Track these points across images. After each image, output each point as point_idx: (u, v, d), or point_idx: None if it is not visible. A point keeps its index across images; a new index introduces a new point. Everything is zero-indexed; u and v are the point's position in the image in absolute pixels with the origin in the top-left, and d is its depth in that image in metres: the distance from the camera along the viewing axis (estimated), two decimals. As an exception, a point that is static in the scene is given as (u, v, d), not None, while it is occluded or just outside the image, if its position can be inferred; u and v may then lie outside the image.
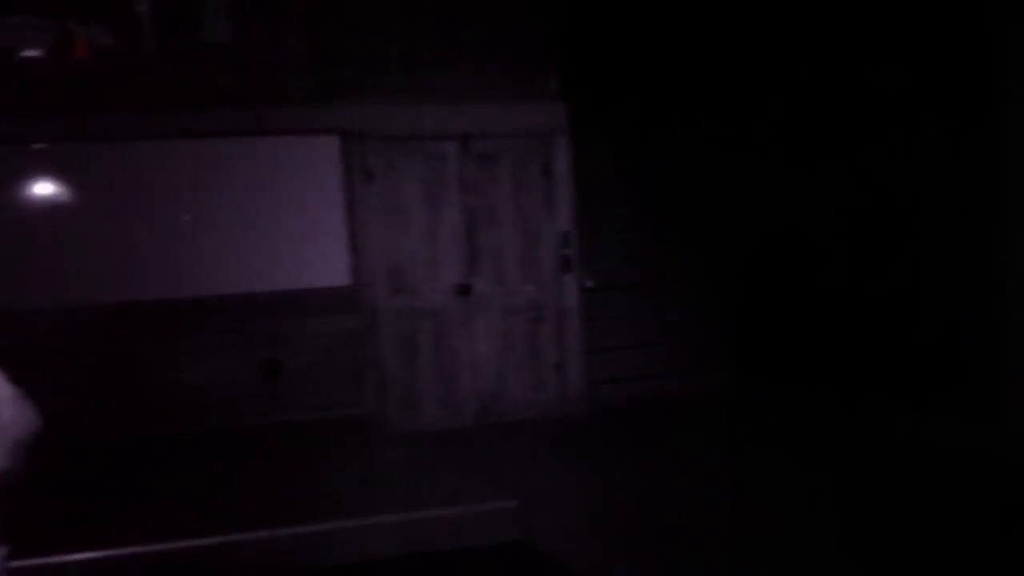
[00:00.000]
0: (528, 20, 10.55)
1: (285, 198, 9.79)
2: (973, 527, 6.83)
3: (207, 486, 7.61)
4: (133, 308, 9.39)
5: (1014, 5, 8.18)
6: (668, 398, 10.74)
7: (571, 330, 10.68)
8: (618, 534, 7.11)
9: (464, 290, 10.34)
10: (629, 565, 6.53)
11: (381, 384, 10.08)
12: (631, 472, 8.60)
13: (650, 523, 7.27)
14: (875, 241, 9.67)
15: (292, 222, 9.79)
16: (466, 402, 10.39)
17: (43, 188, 9.30)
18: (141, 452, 8.74)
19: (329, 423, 9.51)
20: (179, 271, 9.50)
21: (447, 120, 10.30)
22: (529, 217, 10.62)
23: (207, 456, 8.61)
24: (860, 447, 9.07)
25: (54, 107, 9.17)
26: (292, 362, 9.75)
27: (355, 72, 9.97)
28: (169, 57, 9.52)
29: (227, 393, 9.58)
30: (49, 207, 9.29)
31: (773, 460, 8.85)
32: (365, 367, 10.01)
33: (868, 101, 9.62)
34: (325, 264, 9.87)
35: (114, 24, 9.50)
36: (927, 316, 9.17)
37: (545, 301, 10.64)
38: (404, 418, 10.07)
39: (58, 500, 6.77)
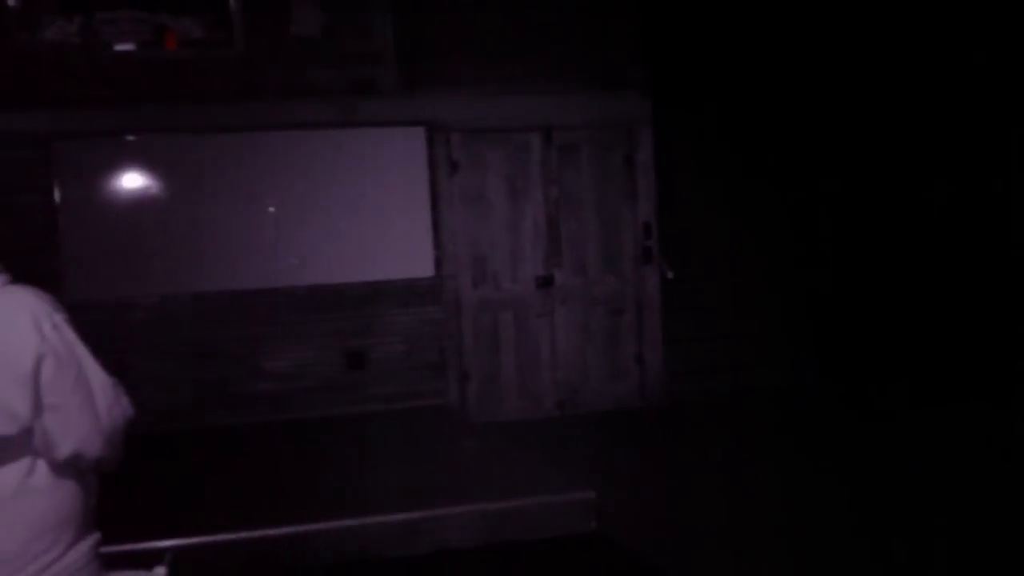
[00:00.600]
0: (612, 10, 10.55)
1: (371, 189, 9.90)
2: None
3: (292, 474, 7.73)
4: (222, 298, 9.59)
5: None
6: (749, 391, 10.67)
7: (651, 321, 10.69)
8: (697, 527, 7.13)
9: (545, 281, 10.40)
10: (707, 557, 6.55)
11: (463, 375, 10.18)
12: (710, 464, 8.59)
13: (730, 516, 7.28)
14: (964, 239, 9.56)
15: (378, 213, 9.90)
16: (546, 393, 10.45)
17: (134, 180, 9.50)
18: (229, 440, 8.91)
19: (411, 413, 9.61)
20: (267, 262, 9.66)
21: (531, 111, 10.35)
22: (611, 208, 10.64)
23: (292, 444, 8.74)
24: (946, 445, 8.95)
25: (145, 99, 9.38)
26: (376, 352, 9.89)
27: (441, 64, 10.05)
28: (259, 50, 9.67)
29: (312, 382, 9.75)
30: (139, 198, 9.49)
31: (852, 456, 8.79)
32: (447, 358, 10.11)
33: (962, 96, 9.51)
34: (410, 255, 9.97)
35: (205, 18, 9.66)
36: (1004, 316, 9.06)
37: (626, 292, 10.66)
38: (485, 408, 10.16)
39: (148, 488, 6.90)
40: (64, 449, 2.88)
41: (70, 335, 2.92)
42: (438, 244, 10.06)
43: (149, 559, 3.45)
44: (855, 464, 8.53)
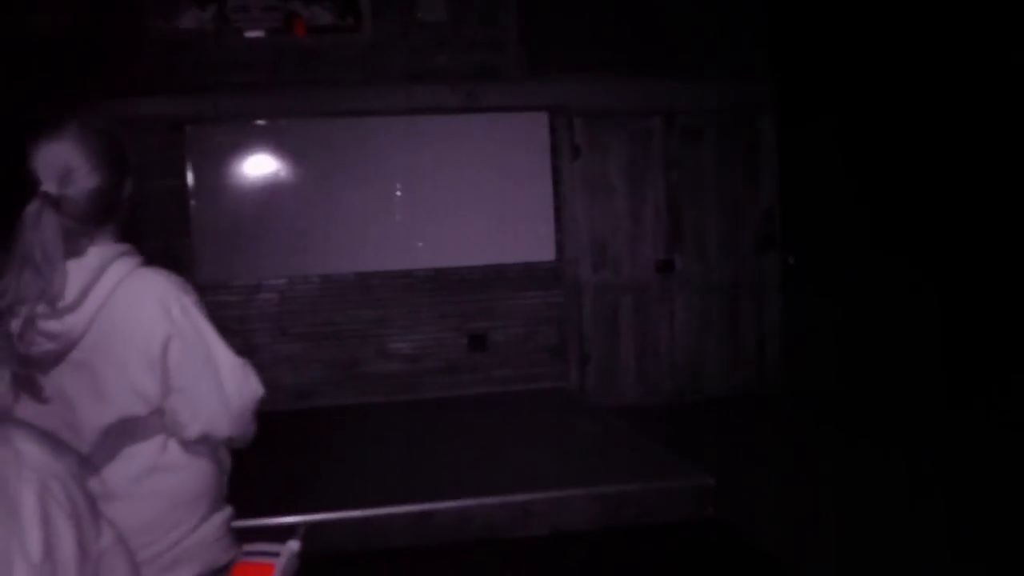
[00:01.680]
0: (737, -5, 10.50)
1: (494, 174, 9.99)
2: None
3: (414, 454, 7.88)
4: (348, 280, 9.77)
5: None
6: (867, 383, 10.49)
7: (771, 308, 10.63)
8: (817, 517, 7.06)
9: (665, 266, 10.39)
10: (824, 548, 6.50)
11: (582, 358, 10.24)
12: (826, 454, 8.49)
13: (844, 506, 7.22)
14: None
15: (500, 197, 9.99)
16: (664, 378, 10.45)
17: (264, 163, 9.71)
18: (354, 419, 9.10)
19: (531, 395, 9.71)
20: (392, 244, 9.82)
21: (652, 96, 10.34)
22: (732, 193, 10.59)
23: (415, 424, 8.89)
24: None
25: (275, 85, 9.58)
26: (497, 335, 10.01)
27: (564, 49, 10.08)
28: (385, 36, 9.82)
29: (435, 363, 9.90)
30: (268, 182, 9.71)
31: (978, 458, 8.63)
32: (567, 341, 10.17)
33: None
34: (532, 239, 10.05)
35: (334, 5, 9.84)
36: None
37: (746, 278, 10.60)
38: (603, 392, 10.20)
39: (279, 465, 7.06)
40: (192, 430, 2.97)
41: (198, 318, 2.99)
42: (559, 228, 10.12)
43: (281, 534, 3.52)
44: (974, 463, 8.39)
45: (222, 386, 3.00)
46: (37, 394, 2.87)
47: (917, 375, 10.61)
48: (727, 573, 6.24)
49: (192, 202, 9.53)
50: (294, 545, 3.38)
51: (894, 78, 11.04)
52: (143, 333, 2.90)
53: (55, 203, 2.81)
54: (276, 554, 3.34)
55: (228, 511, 3.20)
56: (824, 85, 11.04)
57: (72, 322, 2.85)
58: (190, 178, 9.52)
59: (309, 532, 3.49)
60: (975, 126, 10.64)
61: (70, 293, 2.86)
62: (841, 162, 11.11)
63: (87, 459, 2.86)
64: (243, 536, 3.31)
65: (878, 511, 7.13)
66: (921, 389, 10.37)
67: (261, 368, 3.17)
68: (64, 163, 2.85)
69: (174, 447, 3.01)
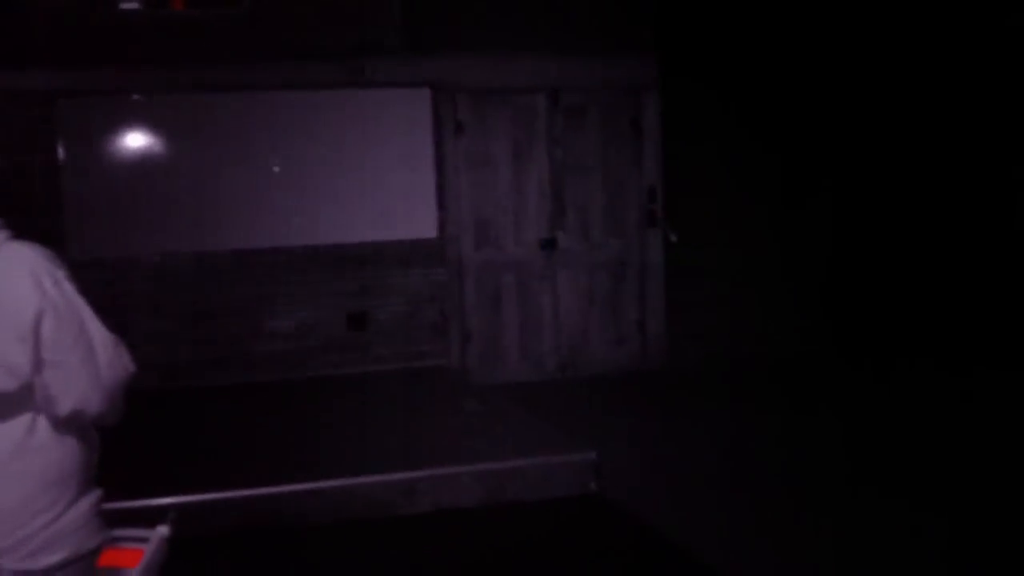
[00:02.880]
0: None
1: (376, 150, 9.89)
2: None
3: (293, 433, 7.80)
4: (224, 257, 9.61)
5: None
6: (752, 357, 10.65)
7: (654, 286, 10.68)
8: (695, 489, 7.16)
9: (548, 244, 10.39)
10: (703, 519, 6.58)
11: (465, 336, 10.21)
12: (709, 429, 8.61)
13: (726, 479, 7.32)
14: (977, 205, 9.56)
15: (383, 174, 9.89)
16: (547, 355, 10.47)
17: (139, 139, 9.50)
18: (229, 399, 8.96)
19: (413, 374, 9.66)
20: (270, 221, 9.67)
21: (537, 73, 10.31)
22: (616, 171, 10.61)
23: (293, 404, 8.80)
24: (949, 412, 8.95)
25: (151, 59, 9.35)
26: (378, 313, 9.92)
27: (448, 25, 10.01)
28: (265, 9, 9.64)
29: (314, 342, 9.78)
30: (143, 158, 9.50)
31: (856, 422, 8.82)
32: (450, 319, 10.13)
33: (974, 69, 9.49)
34: (414, 216, 9.98)
35: (211, -25, 9.66)
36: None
37: (629, 256, 10.65)
38: (486, 370, 10.18)
39: (150, 445, 6.96)
40: (65, 405, 2.88)
41: (71, 291, 2.90)
42: (442, 205, 10.06)
43: (151, 516, 3.46)
44: (856, 427, 8.57)
45: (95, 361, 2.92)
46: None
47: (798, 348, 10.81)
48: (610, 547, 6.29)
49: (64, 177, 9.28)
50: (163, 530, 3.33)
51: (776, 56, 11.18)
52: (14, 306, 2.80)
53: None
54: (145, 539, 3.29)
55: (97, 493, 3.10)
56: (707, 62, 11.14)
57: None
58: (61, 153, 9.27)
59: (182, 515, 3.43)
60: (855, 103, 10.84)
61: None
62: (723, 140, 11.22)
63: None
64: (113, 520, 3.23)
65: (758, 482, 7.25)
66: (802, 362, 10.58)
67: (134, 347, 3.10)
68: None
69: (43, 426, 2.91)
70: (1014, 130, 9.17)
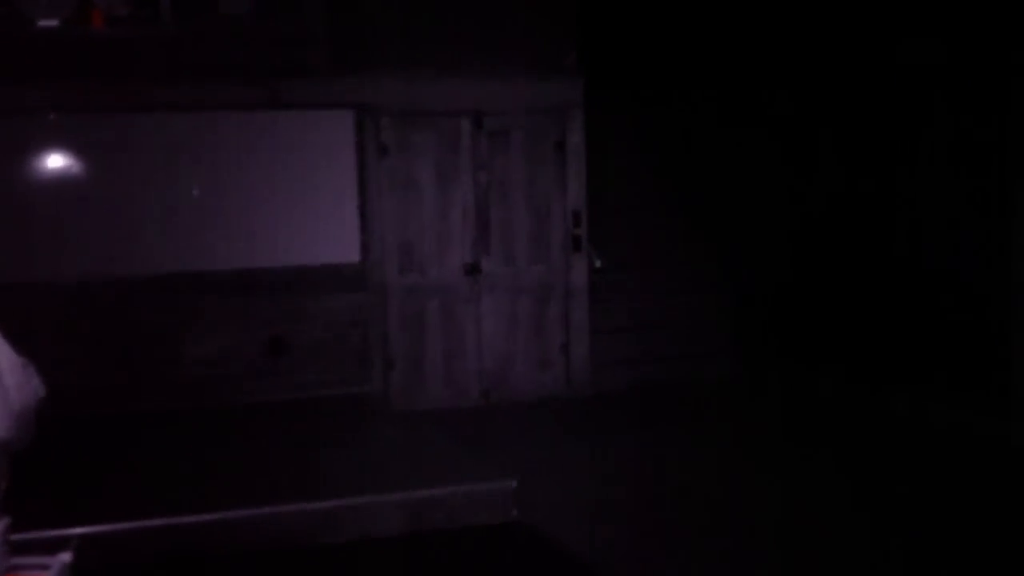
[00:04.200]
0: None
1: (298, 172, 9.78)
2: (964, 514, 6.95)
3: (209, 462, 7.66)
4: (141, 281, 9.41)
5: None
6: (675, 380, 10.72)
7: (578, 311, 10.67)
8: (618, 515, 7.18)
9: (473, 269, 10.34)
10: (628, 545, 6.62)
11: (387, 362, 10.10)
12: (633, 454, 8.66)
13: (649, 505, 7.36)
14: (894, 226, 9.69)
15: (304, 197, 9.78)
16: (472, 381, 10.39)
17: (55, 159, 9.30)
18: (144, 426, 8.78)
19: (335, 400, 9.53)
20: (189, 245, 9.51)
21: (461, 95, 10.29)
22: (540, 194, 10.60)
23: (211, 432, 8.64)
24: (865, 429, 9.19)
25: (69, 77, 9.18)
26: (299, 338, 9.77)
27: (371, 46, 9.97)
28: (186, 29, 9.52)
29: (233, 368, 9.61)
30: (59, 179, 9.30)
31: (776, 442, 8.94)
32: (372, 345, 10.03)
33: (885, 85, 9.64)
34: (336, 240, 9.87)
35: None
36: (940, 301, 9.21)
37: (553, 280, 10.63)
38: (410, 396, 10.08)
39: (59, 473, 6.83)
40: (-28, 430, 2.82)
41: (-22, 315, 2.85)
42: (364, 229, 9.96)
43: (54, 546, 3.41)
44: (774, 449, 8.69)
45: (2, 384, 2.87)
46: None
47: (717, 371, 10.91)
48: (531, 574, 6.29)
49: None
50: (65, 557, 3.31)
51: (700, 80, 11.29)
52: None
53: None
54: (47, 567, 3.27)
55: (5, 522, 3.05)
56: (632, 87, 11.22)
57: None
58: (-33, 173, 9.06)
59: (85, 544, 3.40)
60: (771, 123, 10.97)
61: None
62: (646, 162, 11.30)
63: None
64: (18, 548, 3.17)
65: (679, 507, 7.28)
66: (728, 384, 10.68)
67: (45, 372, 3.03)
68: None
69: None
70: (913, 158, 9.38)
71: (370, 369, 10.01)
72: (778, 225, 11.07)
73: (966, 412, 8.82)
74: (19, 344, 3.03)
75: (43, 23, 9.30)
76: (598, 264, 10.74)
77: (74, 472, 7.15)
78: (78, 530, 5.67)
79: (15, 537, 3.19)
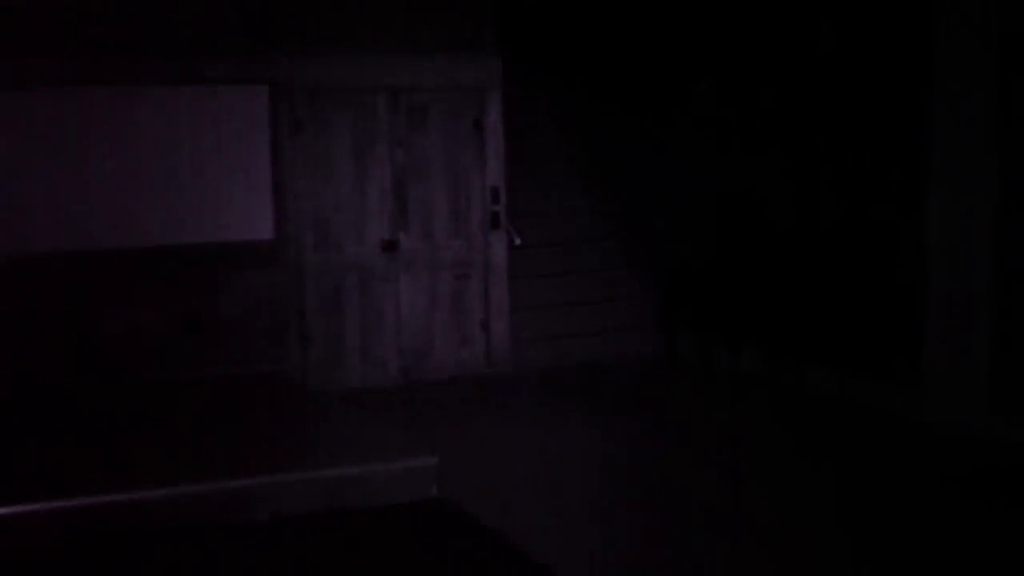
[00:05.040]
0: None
1: (211, 149, 9.65)
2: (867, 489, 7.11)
3: (122, 440, 7.53)
4: (52, 259, 9.21)
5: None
6: (595, 359, 10.78)
7: (498, 288, 10.66)
8: (538, 492, 7.21)
9: (391, 245, 10.27)
10: (548, 522, 6.63)
11: (304, 340, 10.00)
12: (553, 431, 8.69)
13: (569, 481, 7.38)
14: (806, 205, 9.77)
15: (218, 173, 9.65)
16: (390, 359, 10.32)
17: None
18: (58, 404, 8.62)
19: (251, 378, 9.40)
20: (100, 221, 9.32)
21: (378, 72, 10.20)
22: (459, 172, 10.56)
23: (124, 410, 8.50)
24: (783, 408, 9.29)
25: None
26: (214, 316, 9.63)
27: (287, 21, 9.83)
28: (93, 3, 9.32)
29: (148, 345, 9.45)
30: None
31: (696, 420, 9.02)
32: (288, 322, 9.92)
33: (804, 68, 9.70)
34: (250, 217, 9.75)
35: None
36: (856, 282, 9.30)
37: (473, 258, 10.60)
38: (327, 374, 9.99)
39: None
40: None
41: None
42: (279, 206, 9.85)
43: None
44: (691, 426, 8.77)
45: None
46: None
47: (638, 348, 10.96)
48: (452, 551, 6.25)
49: None
50: None
51: (618, 55, 11.27)
52: None
53: None
54: None
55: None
56: (549, 63, 11.17)
57: None
58: None
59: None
60: (700, 102, 11.00)
61: None
62: (565, 140, 11.27)
63: None
64: None
65: (598, 483, 7.31)
66: (648, 362, 10.74)
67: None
68: None
69: None
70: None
71: (286, 347, 9.90)
72: (701, 203, 11.09)
73: (882, 390, 8.94)
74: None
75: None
76: (517, 241, 10.71)
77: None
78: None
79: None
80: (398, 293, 10.33)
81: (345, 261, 10.16)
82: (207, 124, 9.61)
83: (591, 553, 6.11)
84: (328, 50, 9.96)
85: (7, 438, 7.61)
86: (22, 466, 6.87)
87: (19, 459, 7.02)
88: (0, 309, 9.12)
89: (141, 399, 8.80)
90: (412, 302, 10.38)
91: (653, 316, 11.29)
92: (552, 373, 10.50)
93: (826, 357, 9.53)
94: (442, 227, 10.50)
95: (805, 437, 8.42)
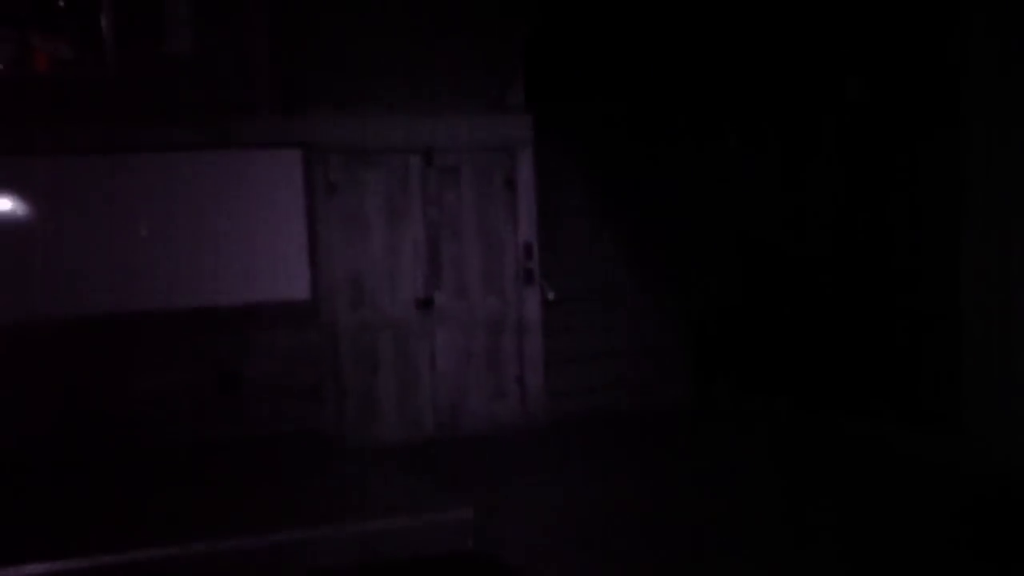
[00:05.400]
0: (494, 33, 10.56)
1: (247, 211, 9.75)
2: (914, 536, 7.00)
3: (163, 500, 7.56)
4: (92, 321, 9.30)
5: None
6: (630, 409, 10.77)
7: (532, 342, 10.68)
8: (576, 546, 7.14)
9: (426, 303, 10.33)
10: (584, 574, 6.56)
11: (340, 397, 10.04)
12: (590, 484, 8.62)
13: (608, 535, 7.31)
14: (840, 253, 9.76)
15: (253, 235, 9.76)
16: (426, 415, 10.36)
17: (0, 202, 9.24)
18: (95, 466, 8.67)
19: (288, 437, 9.44)
20: (139, 285, 9.43)
21: (410, 133, 10.31)
22: (492, 229, 10.63)
23: (163, 471, 8.54)
24: (817, 454, 9.22)
25: (12, 120, 9.09)
26: (252, 375, 9.70)
27: (319, 85, 9.97)
28: (131, 69, 9.48)
29: (185, 406, 9.50)
30: (6, 221, 9.21)
31: (732, 468, 8.94)
32: (324, 381, 9.97)
33: (833, 113, 9.73)
34: (286, 277, 9.83)
35: (75, 35, 9.47)
36: (889, 326, 9.26)
37: (507, 313, 10.64)
38: (363, 432, 10.01)
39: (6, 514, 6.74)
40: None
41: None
42: (315, 266, 9.93)
43: None
44: (729, 476, 8.69)
45: None
46: None
47: (671, 398, 10.94)
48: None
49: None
50: None
51: (645, 114, 11.36)
52: None
53: None
54: None
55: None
56: (579, 123, 11.28)
57: None
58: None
59: None
60: (726, 156, 11.05)
61: None
62: (597, 197, 11.35)
63: None
64: None
65: (640, 536, 7.25)
66: (675, 412, 10.70)
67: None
68: None
69: None
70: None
71: (323, 404, 9.94)
72: (728, 253, 11.12)
73: (921, 438, 8.86)
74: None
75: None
76: (551, 296, 10.76)
77: (20, 514, 7.03)
78: (32, 567, 5.62)
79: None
80: (433, 350, 10.38)
81: (380, 319, 10.22)
82: (242, 187, 9.73)
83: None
84: (360, 112, 10.09)
85: (46, 499, 7.67)
86: (61, 526, 6.91)
87: (64, 518, 7.08)
88: (37, 373, 9.21)
89: (178, 460, 8.85)
90: (447, 358, 10.42)
91: (687, 364, 11.28)
92: (588, 424, 10.49)
93: (862, 403, 9.47)
94: (476, 284, 10.56)
95: (841, 483, 8.34)
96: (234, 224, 9.71)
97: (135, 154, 9.44)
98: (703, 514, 7.67)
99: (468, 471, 9.02)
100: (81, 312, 9.28)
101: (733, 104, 10.89)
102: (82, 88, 9.36)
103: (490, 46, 10.55)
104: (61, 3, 9.58)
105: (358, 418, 10.09)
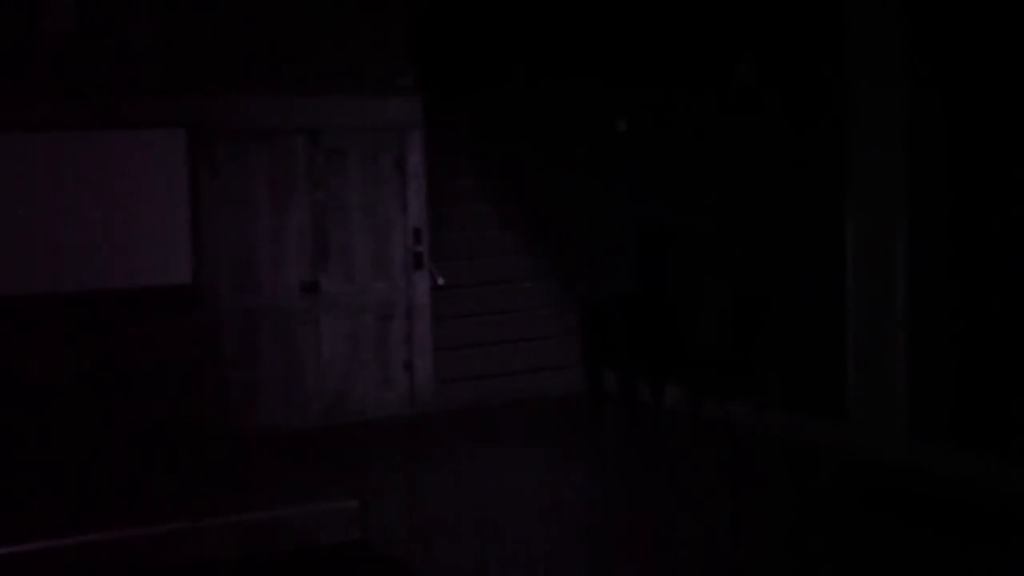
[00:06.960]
0: (382, 13, 10.45)
1: (130, 192, 9.59)
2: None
3: (36, 489, 7.38)
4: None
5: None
6: (519, 396, 10.76)
7: (421, 328, 10.62)
8: (461, 533, 7.17)
9: (311, 288, 10.20)
10: (471, 563, 6.61)
11: (223, 384, 9.88)
12: (476, 471, 8.65)
13: (491, 522, 7.34)
14: (723, 239, 9.85)
15: (137, 218, 9.59)
16: (311, 402, 10.24)
17: None
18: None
19: (168, 424, 9.27)
20: (14, 268, 9.19)
21: (297, 114, 10.18)
22: (380, 213, 10.53)
23: (40, 458, 8.32)
24: (705, 442, 9.34)
25: None
26: (131, 360, 9.51)
27: (204, 63, 9.80)
28: (11, 46, 9.21)
29: (64, 392, 9.29)
30: None
31: (617, 456, 9.04)
32: (206, 366, 9.80)
33: (723, 102, 9.81)
34: (168, 261, 9.67)
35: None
36: (768, 310, 9.39)
37: (395, 299, 10.56)
38: (247, 420, 9.82)
39: None
40: None
41: None
42: (197, 249, 9.75)
43: None
44: (613, 463, 8.84)
45: None
46: None
47: (561, 385, 10.97)
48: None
49: None
50: None
51: (540, 95, 11.35)
52: None
53: None
54: None
55: None
56: (470, 104, 11.24)
57: None
58: None
59: None
60: (619, 141, 11.07)
61: None
62: (486, 181, 11.32)
63: None
64: None
65: (522, 523, 7.28)
66: (564, 399, 10.74)
67: None
68: None
69: None
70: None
71: (205, 391, 9.78)
72: (623, 240, 11.15)
73: (803, 423, 8.99)
74: None
75: None
76: (440, 282, 10.71)
77: None
78: None
79: None
80: (319, 335, 10.26)
81: (264, 304, 10.08)
82: (126, 168, 9.57)
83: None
84: (245, 92, 9.93)
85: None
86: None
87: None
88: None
89: (54, 448, 8.63)
90: (333, 343, 10.31)
91: (577, 354, 11.30)
92: (476, 412, 10.47)
93: (748, 392, 9.57)
94: (364, 268, 10.46)
95: (726, 469, 8.45)
96: (117, 206, 9.53)
97: (15, 133, 9.17)
98: (588, 501, 7.79)
99: (354, 459, 8.97)
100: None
101: (624, 88, 10.90)
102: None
103: (379, 25, 10.44)
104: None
105: (241, 406, 9.92)
